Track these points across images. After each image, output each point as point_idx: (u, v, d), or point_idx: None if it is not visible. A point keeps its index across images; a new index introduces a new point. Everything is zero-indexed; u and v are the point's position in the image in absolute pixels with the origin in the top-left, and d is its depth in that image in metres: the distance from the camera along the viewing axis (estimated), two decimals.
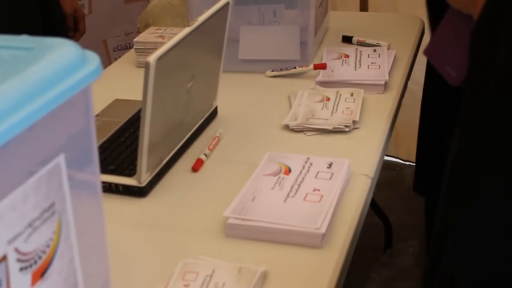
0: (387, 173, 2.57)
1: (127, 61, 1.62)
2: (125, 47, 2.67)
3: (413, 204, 2.35)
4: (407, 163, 2.61)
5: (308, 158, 1.07)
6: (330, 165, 1.05)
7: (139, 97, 1.00)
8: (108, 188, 1.04)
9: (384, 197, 2.33)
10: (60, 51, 0.61)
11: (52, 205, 0.62)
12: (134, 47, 1.57)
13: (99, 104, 1.32)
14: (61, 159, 0.62)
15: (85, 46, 0.65)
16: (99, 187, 0.74)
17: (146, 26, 1.74)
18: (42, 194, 0.60)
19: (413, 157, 2.60)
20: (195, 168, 1.10)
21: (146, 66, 0.94)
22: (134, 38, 1.60)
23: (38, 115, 0.56)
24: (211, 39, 1.19)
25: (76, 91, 0.60)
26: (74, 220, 0.66)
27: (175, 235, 0.95)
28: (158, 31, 1.62)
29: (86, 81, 0.61)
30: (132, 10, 2.57)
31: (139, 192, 1.03)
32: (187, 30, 1.04)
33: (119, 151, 1.13)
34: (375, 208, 2.03)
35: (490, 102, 0.68)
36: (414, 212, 2.27)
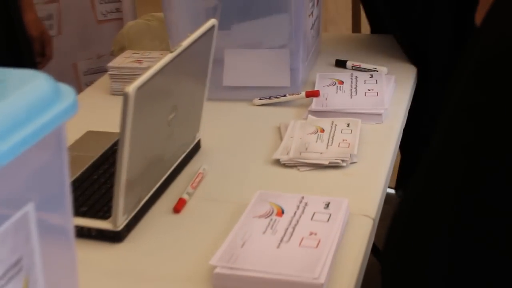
0: (384, 208, 2.55)
1: (100, 87, 1.60)
2: (97, 71, 2.64)
3: None
4: None
5: (302, 197, 1.05)
6: (327, 205, 1.03)
7: (113, 128, 0.97)
8: (80, 233, 1.00)
9: (381, 234, 2.30)
10: (32, 85, 0.59)
11: (19, 261, 0.59)
12: (108, 72, 1.56)
13: (69, 136, 1.28)
14: (29, 208, 0.59)
15: (54, 70, 0.63)
16: (71, 234, 0.71)
17: (121, 49, 1.73)
18: (8, 249, 0.57)
19: None
20: (177, 209, 1.08)
21: (125, 96, 0.92)
22: (107, 61, 1.59)
23: (5, 159, 0.53)
24: (195, 66, 1.17)
25: (50, 130, 0.58)
26: (43, 276, 0.63)
27: (155, 285, 0.92)
28: (135, 55, 1.61)
29: (61, 119, 0.59)
30: (105, 30, 2.55)
31: (114, 237, 1.01)
32: (169, 56, 1.02)
33: (92, 190, 1.10)
34: (372, 247, 2.01)
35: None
36: None
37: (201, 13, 1.50)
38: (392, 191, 2.60)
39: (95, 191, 1.10)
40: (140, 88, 0.93)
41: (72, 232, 0.71)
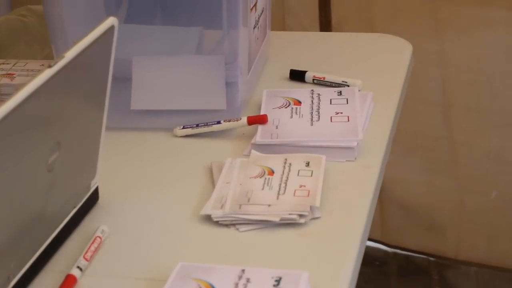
0: (362, 270, 2.56)
1: None
2: None
3: None
4: (393, 250, 2.63)
5: (243, 271, 1.04)
6: (278, 282, 1.02)
7: None
8: None
9: None
10: None
11: None
12: None
13: None
14: None
15: None
16: None
17: None
18: None
19: (404, 241, 2.68)
20: None
21: None
22: None
23: None
24: (87, 84, 1.16)
25: None
26: None
27: None
28: (5, 66, 1.60)
29: None
30: None
31: None
32: (47, 72, 1.00)
33: None
34: None
35: None
36: None
37: (99, 6, 1.49)
38: (373, 244, 2.64)
39: None
40: (4, 119, 0.90)
41: None
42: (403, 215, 2.66)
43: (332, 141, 1.36)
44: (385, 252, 2.65)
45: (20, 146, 0.98)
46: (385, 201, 2.63)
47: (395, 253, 2.63)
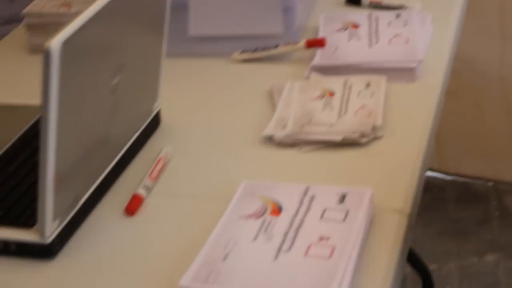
0: (424, 198, 2.57)
1: (14, 42, 1.62)
2: (10, 21, 2.62)
3: (462, 244, 2.34)
4: (451, 178, 2.64)
5: (307, 188, 1.05)
6: (342, 198, 1.03)
7: (35, 100, 0.97)
8: None
9: (418, 235, 2.31)
10: None
11: None
12: (24, 21, 1.57)
13: None
14: None
15: None
16: None
17: None
18: None
19: (462, 168, 2.69)
20: (130, 210, 1.08)
21: (46, 53, 0.91)
22: (23, 6, 1.59)
23: None
24: (146, 9, 1.16)
25: None
26: None
27: None
28: None
29: None
30: None
31: (43, 252, 1.00)
32: None
33: (7, 187, 1.10)
34: (408, 254, 2.03)
35: None
36: (464, 255, 2.25)
37: None
38: (433, 174, 2.65)
39: (12, 189, 1.10)
40: (68, 41, 0.92)
41: None
42: (459, 143, 2.65)
43: (392, 62, 1.36)
44: (444, 180, 2.65)
45: (84, 67, 1.00)
46: (440, 130, 2.62)
47: (453, 181, 2.63)
